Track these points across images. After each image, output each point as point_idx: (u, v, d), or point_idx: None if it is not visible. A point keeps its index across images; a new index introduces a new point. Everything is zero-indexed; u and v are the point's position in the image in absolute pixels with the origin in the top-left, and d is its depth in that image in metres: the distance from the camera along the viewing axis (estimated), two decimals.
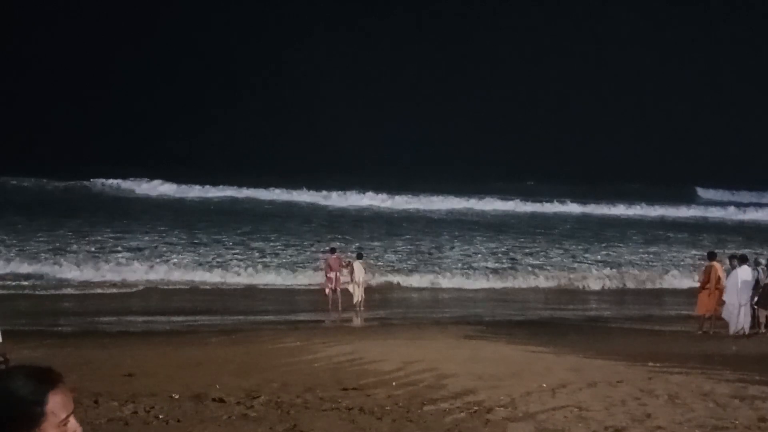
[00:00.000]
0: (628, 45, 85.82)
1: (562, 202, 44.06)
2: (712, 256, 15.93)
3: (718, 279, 15.17)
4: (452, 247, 26.67)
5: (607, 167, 65.16)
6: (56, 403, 1.99)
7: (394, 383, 9.45)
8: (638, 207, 44.15)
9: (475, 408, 8.31)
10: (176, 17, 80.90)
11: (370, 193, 43.87)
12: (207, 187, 44.24)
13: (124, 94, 74.90)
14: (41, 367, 2.04)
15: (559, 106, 79.43)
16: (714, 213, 44.82)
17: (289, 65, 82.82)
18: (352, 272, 17.19)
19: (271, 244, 25.77)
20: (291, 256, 23.60)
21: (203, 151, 62.10)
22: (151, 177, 45.52)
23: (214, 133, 69.01)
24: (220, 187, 44.32)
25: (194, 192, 43.75)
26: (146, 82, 76.07)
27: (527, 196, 46.95)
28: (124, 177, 45.48)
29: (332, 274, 17.26)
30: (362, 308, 17.20)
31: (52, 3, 79.40)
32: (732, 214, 44.45)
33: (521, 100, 79.69)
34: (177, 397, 8.60)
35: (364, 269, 17.51)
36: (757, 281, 14.99)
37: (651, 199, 47.76)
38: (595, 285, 21.40)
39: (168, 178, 45.18)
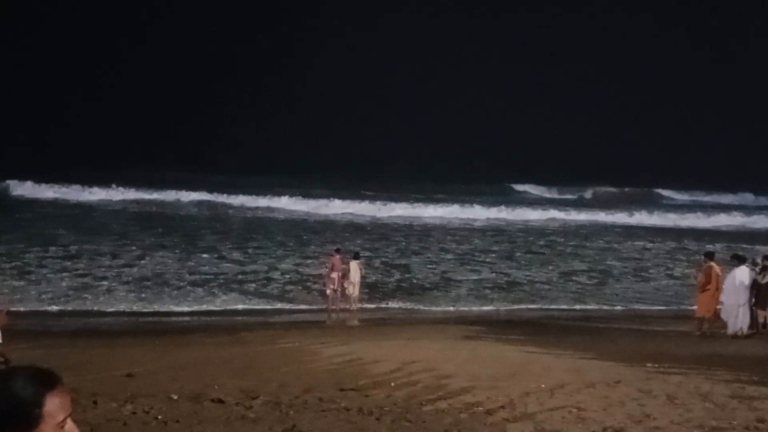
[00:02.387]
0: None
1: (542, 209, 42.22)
2: (710, 256, 15.93)
3: (718, 279, 15.18)
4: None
5: (572, 170, 63.77)
6: (54, 405, 2.01)
7: (392, 384, 9.46)
8: (604, 212, 41.97)
9: (474, 408, 8.32)
10: (175, 16, 79.97)
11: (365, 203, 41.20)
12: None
13: (121, 92, 74.12)
14: (40, 368, 2.06)
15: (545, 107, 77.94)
16: (683, 218, 41.74)
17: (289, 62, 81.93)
18: (348, 272, 17.35)
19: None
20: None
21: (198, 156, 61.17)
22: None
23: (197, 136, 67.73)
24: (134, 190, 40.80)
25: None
26: (145, 80, 75.27)
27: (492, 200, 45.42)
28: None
29: (335, 274, 17.37)
30: (356, 307, 17.35)
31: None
32: (700, 218, 41.77)
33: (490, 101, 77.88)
34: (176, 397, 8.61)
35: (361, 269, 17.62)
36: (755, 281, 15.00)
37: (613, 204, 47.21)
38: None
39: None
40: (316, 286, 19.20)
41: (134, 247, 24.01)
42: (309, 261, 22.76)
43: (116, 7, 76.59)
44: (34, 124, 62.62)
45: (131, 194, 40.76)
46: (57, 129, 62.50)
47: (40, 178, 42.31)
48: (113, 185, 41.57)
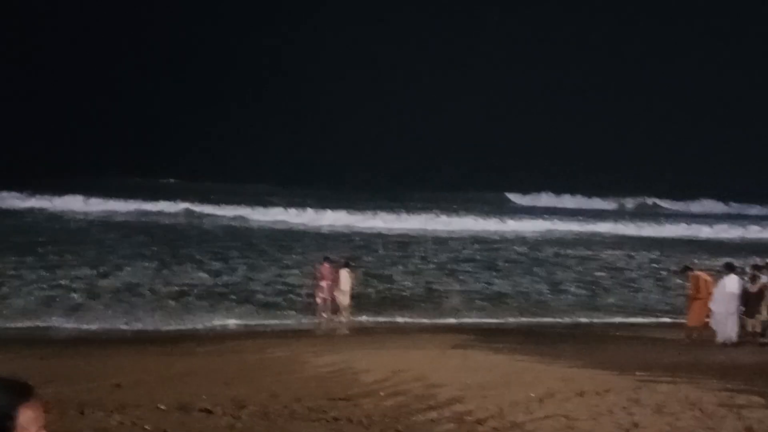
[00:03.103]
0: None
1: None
2: (688, 269, 16.16)
3: (707, 287, 15.29)
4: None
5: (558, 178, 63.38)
6: (27, 417, 2.00)
7: (382, 393, 9.44)
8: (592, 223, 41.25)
9: (463, 418, 8.32)
10: (166, 17, 78.08)
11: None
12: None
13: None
14: (14, 380, 2.05)
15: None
16: (679, 228, 40.71)
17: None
18: (338, 280, 17.28)
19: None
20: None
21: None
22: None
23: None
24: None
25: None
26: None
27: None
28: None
29: (324, 283, 17.32)
30: (347, 316, 17.28)
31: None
32: (698, 229, 40.91)
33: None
34: (164, 407, 8.56)
35: (351, 278, 17.56)
36: (744, 290, 15.08)
37: (608, 214, 46.83)
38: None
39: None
40: (305, 295, 19.08)
41: (122, 259, 23.23)
42: (297, 270, 22.56)
43: (97, 13, 75.33)
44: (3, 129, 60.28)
45: (108, 205, 38.88)
46: (31, 135, 59.97)
47: (11, 187, 40.28)
48: (89, 195, 39.54)
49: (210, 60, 77.13)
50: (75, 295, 18.10)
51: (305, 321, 17.24)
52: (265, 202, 41.87)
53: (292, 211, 39.35)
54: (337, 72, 76.87)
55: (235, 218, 37.55)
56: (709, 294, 15.21)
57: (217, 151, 64.71)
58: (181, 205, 39.40)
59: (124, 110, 70.39)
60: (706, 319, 15.28)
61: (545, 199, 61.56)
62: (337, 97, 73.05)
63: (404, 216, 39.82)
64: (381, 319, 17.67)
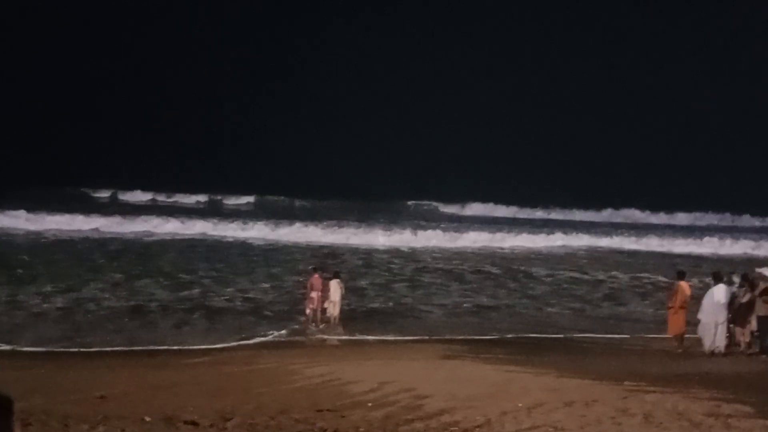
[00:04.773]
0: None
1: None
2: (681, 275, 16.21)
3: (684, 298, 15.34)
4: None
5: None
6: (5, 429, 1.98)
7: (369, 404, 9.40)
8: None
9: (451, 429, 8.29)
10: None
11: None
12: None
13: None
14: None
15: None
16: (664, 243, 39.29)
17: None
18: (328, 291, 17.24)
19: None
20: None
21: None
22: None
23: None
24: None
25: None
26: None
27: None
28: None
29: (314, 294, 17.28)
30: (337, 326, 17.21)
31: None
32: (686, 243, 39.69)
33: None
34: (149, 419, 8.49)
35: (341, 288, 17.51)
36: (733, 300, 15.11)
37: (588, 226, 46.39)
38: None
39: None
40: (292, 307, 18.97)
41: (101, 274, 22.42)
42: (281, 282, 22.37)
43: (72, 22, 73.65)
44: None
45: (73, 220, 36.14)
46: None
47: None
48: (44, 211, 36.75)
49: (176, 74, 75.60)
50: (45, 311, 17.47)
51: (295, 332, 17.13)
52: (242, 216, 41.41)
53: (266, 224, 38.44)
54: (314, 87, 76.45)
55: (208, 233, 36.49)
56: (683, 302, 15.28)
57: (190, 164, 63.23)
58: (155, 221, 37.73)
59: (89, 123, 68.48)
60: (694, 334, 15.34)
61: (525, 212, 61.07)
62: (312, 111, 72.79)
63: (380, 230, 38.09)
64: (371, 338, 17.20)
